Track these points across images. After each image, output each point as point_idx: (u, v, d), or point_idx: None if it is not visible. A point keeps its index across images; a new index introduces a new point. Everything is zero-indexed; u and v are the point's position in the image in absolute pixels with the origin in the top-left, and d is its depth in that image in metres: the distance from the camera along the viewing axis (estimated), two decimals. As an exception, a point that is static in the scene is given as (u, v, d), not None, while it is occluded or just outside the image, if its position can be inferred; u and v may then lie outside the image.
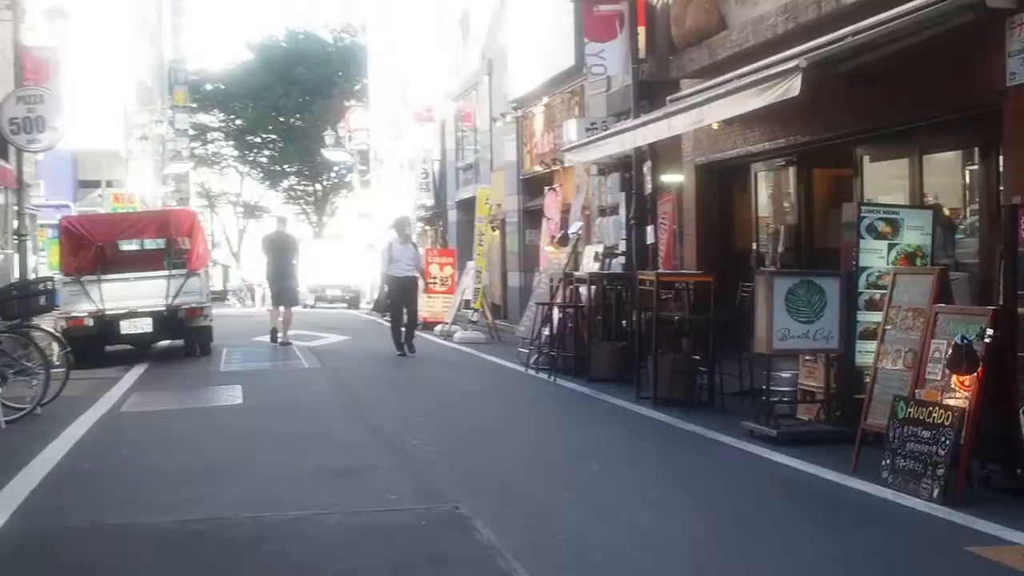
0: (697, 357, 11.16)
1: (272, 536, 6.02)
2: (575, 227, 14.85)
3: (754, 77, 10.00)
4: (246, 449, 8.66)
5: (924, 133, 10.83)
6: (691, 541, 5.99)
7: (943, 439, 6.62)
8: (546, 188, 21.66)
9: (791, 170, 13.51)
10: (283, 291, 18.43)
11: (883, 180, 12.08)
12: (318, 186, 59.89)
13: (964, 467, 6.61)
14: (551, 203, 21.35)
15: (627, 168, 17.69)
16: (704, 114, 10.79)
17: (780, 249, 13.51)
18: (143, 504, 6.90)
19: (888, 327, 7.85)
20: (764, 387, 10.33)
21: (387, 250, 16.02)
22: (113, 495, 7.22)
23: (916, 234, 8.91)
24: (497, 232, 25.46)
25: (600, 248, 16.59)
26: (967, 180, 10.72)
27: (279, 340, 18.18)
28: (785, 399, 10.20)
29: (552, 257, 15.87)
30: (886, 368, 7.77)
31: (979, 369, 6.64)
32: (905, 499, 6.74)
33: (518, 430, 9.67)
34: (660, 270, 11.42)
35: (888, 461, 7.09)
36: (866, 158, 12.07)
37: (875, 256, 8.87)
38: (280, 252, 18.51)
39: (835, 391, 9.10)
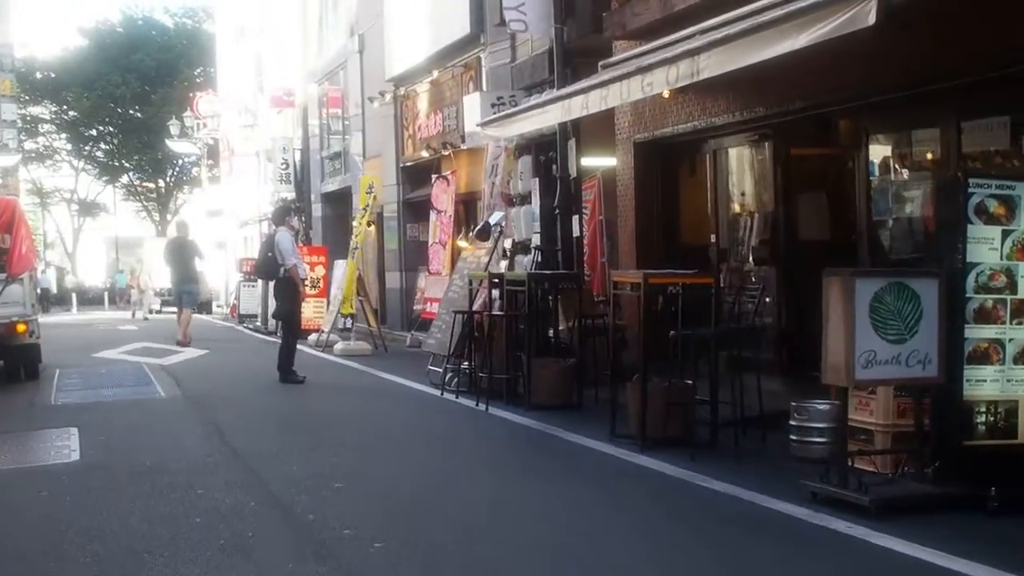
0: (689, 382, 8.43)
1: None
2: (496, 217, 12.00)
3: (783, 10, 7.27)
4: (87, 563, 5.48)
5: (965, 94, 8.36)
6: None
7: None
8: (433, 176, 18.74)
9: (766, 147, 10.91)
10: (186, 294, 18.77)
11: (892, 158, 9.59)
12: (161, 182, 55.32)
13: None
14: (440, 193, 18.44)
15: (542, 149, 14.92)
16: (701, 64, 8.01)
17: (753, 242, 10.91)
18: None
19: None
20: (794, 423, 7.73)
21: (290, 241, 12.76)
22: None
23: (1036, 217, 6.35)
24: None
25: (508, 243, 13.81)
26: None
27: (177, 340, 18.36)
28: (822, 440, 7.57)
29: (467, 255, 12.94)
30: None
31: None
32: None
33: (488, 505, 6.57)
34: (647, 270, 8.67)
35: None
36: (871, 130, 9.56)
37: (986, 247, 6.27)
38: (183, 257, 18.63)
39: (928, 434, 6.47)
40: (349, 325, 17.38)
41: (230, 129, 37.07)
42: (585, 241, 13.79)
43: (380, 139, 21.79)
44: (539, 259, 13.78)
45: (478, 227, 12.10)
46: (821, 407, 7.65)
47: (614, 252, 14.04)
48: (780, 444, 8.06)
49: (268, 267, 13.13)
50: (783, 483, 6.75)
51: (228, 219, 37.40)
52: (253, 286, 24.08)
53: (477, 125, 13.06)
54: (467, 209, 19.10)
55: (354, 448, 8.37)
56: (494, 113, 13.86)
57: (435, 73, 18.33)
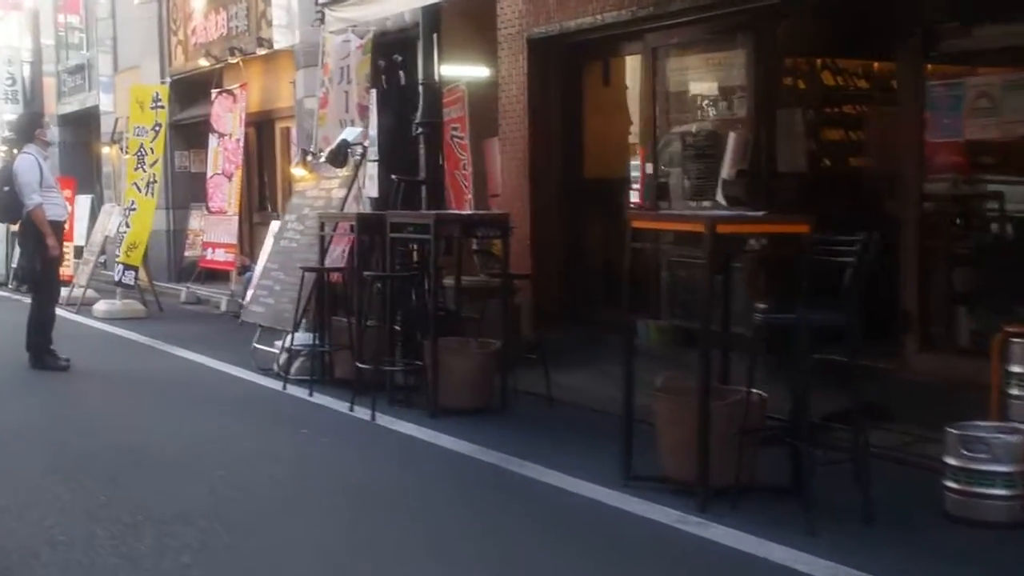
0: (760, 392, 5.06)
1: None
2: (353, 134, 8.21)
3: None
4: None
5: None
6: None
7: None
8: (213, 92, 14.49)
9: (745, 45, 7.63)
10: None
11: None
12: None
13: None
14: (223, 112, 14.27)
15: (380, 50, 11.09)
16: None
17: (724, 173, 7.64)
18: None
19: None
20: (954, 462, 4.57)
21: (33, 170, 8.44)
22: None
23: None
24: (128, 156, 17.74)
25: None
26: None
27: None
28: (1011, 493, 4.47)
29: (308, 187, 8.97)
30: None
31: None
32: None
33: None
34: (711, 212, 5.18)
35: None
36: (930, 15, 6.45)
37: None
38: None
39: None
40: (130, 280, 12.99)
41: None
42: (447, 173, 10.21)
43: (138, 47, 17.12)
44: (372, 194, 10.15)
45: (331, 148, 8.22)
46: (1011, 439, 4.53)
47: (481, 187, 10.53)
48: (899, 489, 4.94)
49: (6, 205, 8.75)
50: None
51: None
52: (-27, 227, 18.91)
53: (321, 6, 9.11)
54: (260, 132, 15.02)
55: (194, 527, 4.51)
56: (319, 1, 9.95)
57: (221, -42, 14.03)
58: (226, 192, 14.20)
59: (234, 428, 6.51)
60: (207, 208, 14.74)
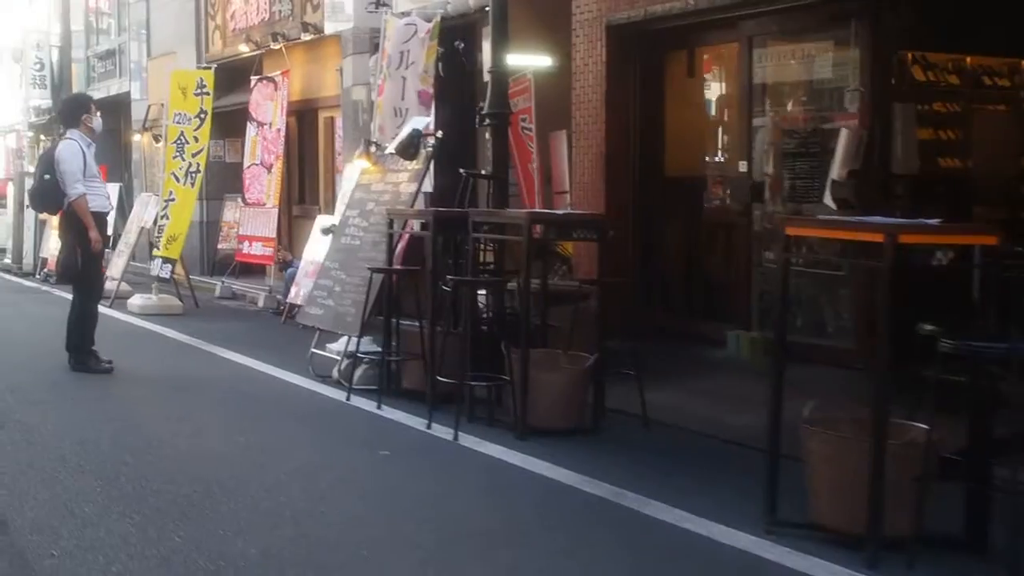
0: (924, 427, 4.35)
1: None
2: (423, 123, 7.52)
3: None
4: None
5: None
6: None
7: None
8: (253, 79, 13.84)
9: (859, 35, 6.92)
10: None
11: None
12: None
13: None
14: (263, 100, 13.63)
15: (443, 36, 10.41)
16: None
17: (834, 174, 6.94)
18: None
19: None
20: None
21: (76, 157, 7.80)
22: None
23: None
24: (161, 144, 17.12)
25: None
26: None
27: None
28: None
29: (372, 180, 8.24)
30: None
31: None
32: None
33: None
34: (886, 219, 4.49)
35: None
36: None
37: None
38: None
39: None
40: (167, 274, 12.39)
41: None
42: (515, 170, 9.51)
43: (173, 32, 16.53)
44: (427, 190, 9.44)
45: (400, 138, 7.52)
46: None
47: (545, 183, 9.85)
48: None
49: (46, 195, 8.11)
50: None
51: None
52: (1, 210, 18.38)
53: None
54: (302, 122, 14.36)
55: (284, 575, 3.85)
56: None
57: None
58: (264, 183, 13.56)
59: (306, 449, 5.81)
60: (243, 200, 14.11)
